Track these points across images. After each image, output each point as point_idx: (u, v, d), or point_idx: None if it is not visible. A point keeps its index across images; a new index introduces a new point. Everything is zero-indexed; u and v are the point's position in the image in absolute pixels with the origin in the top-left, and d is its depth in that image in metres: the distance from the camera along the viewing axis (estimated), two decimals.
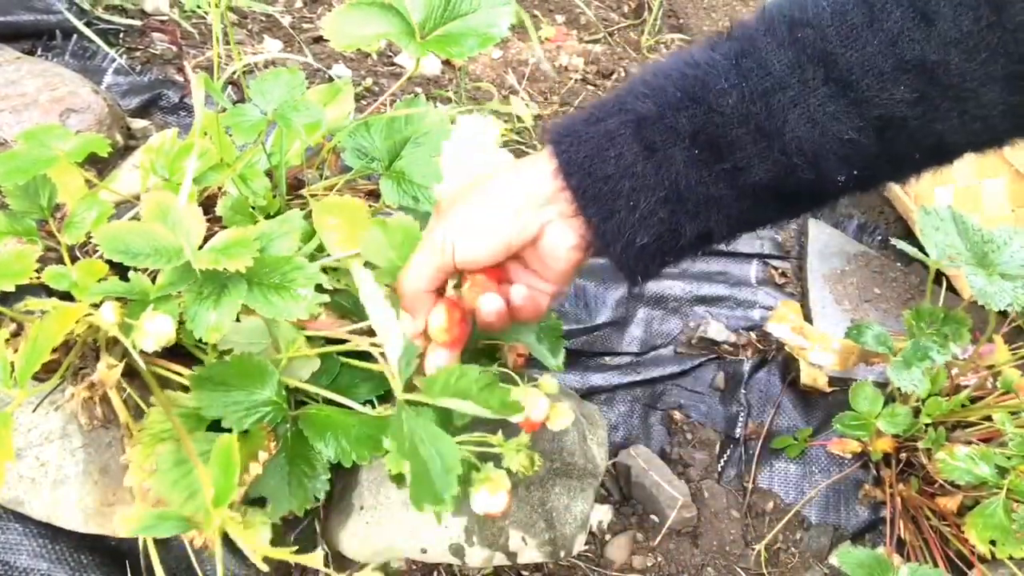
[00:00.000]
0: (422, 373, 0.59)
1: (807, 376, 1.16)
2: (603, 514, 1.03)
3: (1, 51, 1.10)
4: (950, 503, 0.96)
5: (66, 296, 0.68)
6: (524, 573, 0.95)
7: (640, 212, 0.52)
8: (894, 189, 1.48)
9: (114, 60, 1.24)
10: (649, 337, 1.23)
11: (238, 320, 0.70)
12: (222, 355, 0.70)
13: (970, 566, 0.96)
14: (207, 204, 0.79)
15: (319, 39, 1.47)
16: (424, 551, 0.79)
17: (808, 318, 1.26)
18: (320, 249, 0.74)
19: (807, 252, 1.37)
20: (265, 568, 0.51)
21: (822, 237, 1.40)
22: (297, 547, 0.53)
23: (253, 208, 0.77)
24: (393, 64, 1.50)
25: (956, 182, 1.32)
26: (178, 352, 0.73)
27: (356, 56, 1.48)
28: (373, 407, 0.70)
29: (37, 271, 0.65)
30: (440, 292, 0.59)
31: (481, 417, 0.63)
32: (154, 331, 0.57)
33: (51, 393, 0.72)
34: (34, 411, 0.72)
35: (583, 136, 0.53)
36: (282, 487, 0.68)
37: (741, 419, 1.15)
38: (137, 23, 1.34)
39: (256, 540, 0.52)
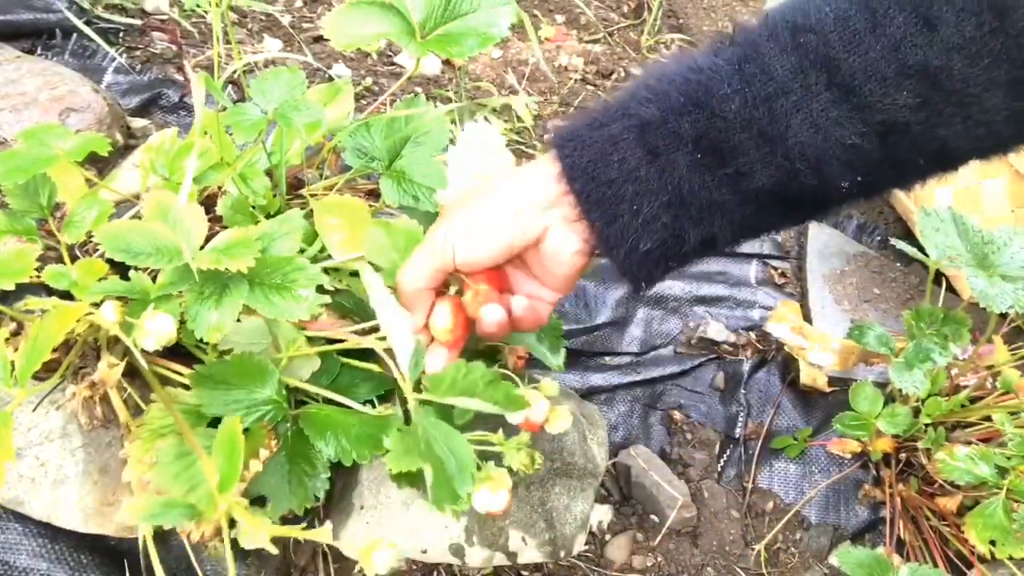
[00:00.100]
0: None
1: (807, 376, 1.16)
2: (603, 514, 1.03)
3: (1, 50, 1.10)
4: (950, 503, 0.96)
5: (66, 295, 0.68)
6: (524, 573, 0.95)
7: (643, 217, 0.52)
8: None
9: (114, 59, 1.24)
10: (649, 337, 1.23)
11: (238, 320, 0.70)
12: (222, 355, 0.70)
13: (970, 566, 0.96)
14: (207, 203, 0.79)
15: (319, 38, 1.47)
16: (424, 551, 0.79)
17: (808, 318, 1.26)
18: (322, 251, 0.74)
19: (807, 252, 1.37)
20: (274, 551, 0.51)
21: (821, 237, 1.40)
22: (304, 525, 0.52)
23: (253, 207, 0.77)
24: (393, 64, 1.50)
25: (956, 183, 1.32)
26: (178, 352, 0.73)
27: (356, 56, 1.48)
28: (373, 407, 0.70)
29: (37, 270, 0.65)
30: (439, 291, 0.59)
31: (482, 417, 0.63)
32: (155, 330, 0.57)
33: (51, 392, 0.72)
34: (34, 410, 0.72)
35: (586, 140, 0.53)
36: (282, 486, 0.68)
37: (741, 419, 1.15)
38: (137, 22, 1.34)
39: (261, 523, 0.51)
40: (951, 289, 1.33)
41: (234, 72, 1.18)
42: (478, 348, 0.76)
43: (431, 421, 0.54)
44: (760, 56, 0.48)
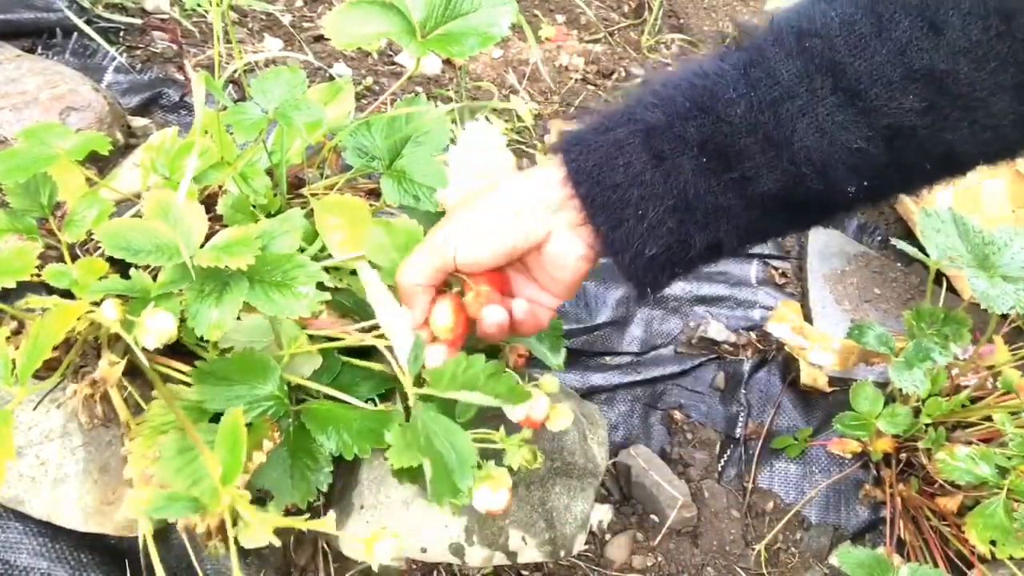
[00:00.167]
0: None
1: (807, 376, 1.16)
2: (603, 514, 1.03)
3: (1, 49, 1.10)
4: (950, 503, 0.96)
5: (67, 294, 0.68)
6: (524, 573, 0.95)
7: (649, 221, 0.52)
8: None
9: (114, 58, 1.24)
10: (649, 337, 1.23)
11: (239, 318, 0.70)
12: (223, 353, 0.70)
13: (970, 566, 0.96)
14: (208, 202, 0.79)
15: (320, 38, 1.47)
16: (424, 550, 0.79)
17: (808, 318, 1.26)
18: (323, 250, 0.74)
19: (807, 252, 1.37)
20: (277, 542, 0.51)
21: (822, 237, 1.40)
22: (306, 516, 0.52)
23: (254, 207, 0.77)
24: (394, 63, 1.50)
25: (957, 183, 1.32)
26: (179, 350, 0.73)
27: (357, 55, 1.48)
28: (374, 405, 0.70)
29: (38, 269, 0.65)
30: (440, 290, 0.59)
31: (483, 415, 0.63)
32: (155, 328, 0.57)
33: (52, 391, 0.72)
34: (35, 409, 0.72)
35: (592, 145, 0.53)
36: (285, 480, 0.69)
37: (741, 419, 1.15)
38: (137, 21, 1.34)
39: (263, 517, 0.51)
40: (952, 289, 1.33)
41: (235, 71, 1.18)
42: (478, 347, 0.76)
43: (431, 415, 0.54)
44: (765, 60, 0.48)
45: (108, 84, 1.21)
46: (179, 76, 1.28)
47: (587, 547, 1.00)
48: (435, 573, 0.92)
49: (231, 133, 0.79)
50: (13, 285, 0.62)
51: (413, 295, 0.58)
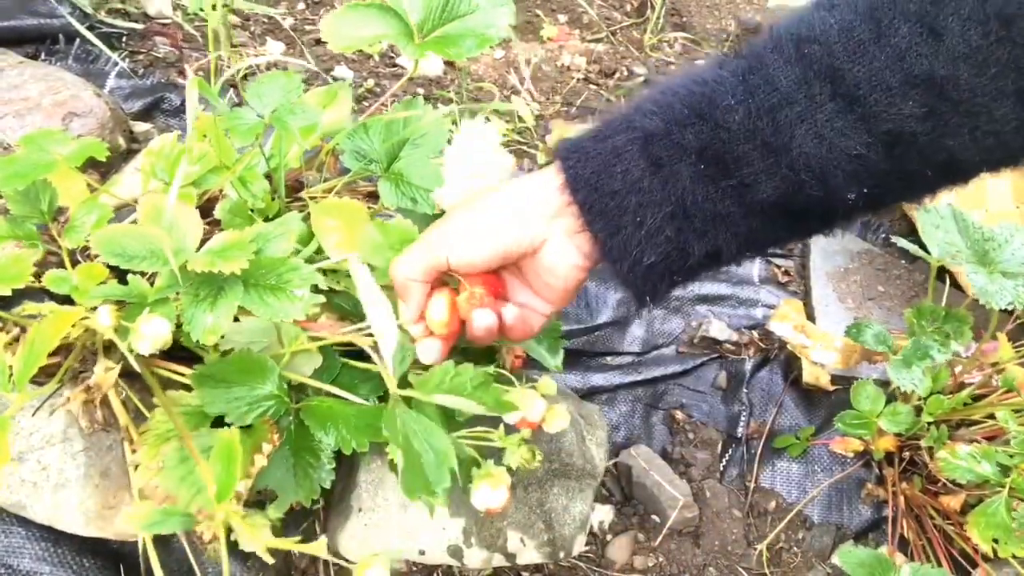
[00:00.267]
0: (418, 361, 0.59)
1: (809, 375, 1.16)
2: (604, 514, 1.03)
3: (4, 55, 1.11)
4: (953, 502, 0.95)
5: (67, 300, 0.68)
6: (524, 574, 0.95)
7: (647, 229, 0.52)
8: None
9: (117, 64, 1.25)
10: (651, 336, 1.22)
11: (238, 320, 0.70)
12: (224, 355, 0.71)
13: (974, 565, 0.95)
14: (207, 207, 0.79)
15: (321, 41, 1.47)
16: (422, 552, 0.79)
17: (811, 316, 1.26)
18: (319, 251, 0.74)
19: (810, 250, 1.36)
20: (270, 560, 0.51)
21: None
22: (300, 538, 0.53)
23: (252, 211, 0.78)
24: (395, 65, 1.51)
25: None
26: (179, 354, 0.73)
27: (358, 57, 1.49)
28: None
29: (38, 275, 0.66)
30: (433, 284, 0.59)
31: (481, 414, 0.63)
32: (150, 334, 0.58)
33: (52, 397, 0.73)
34: (34, 415, 0.72)
35: (590, 152, 0.53)
36: (288, 479, 0.69)
37: (743, 418, 1.15)
38: (139, 27, 1.35)
39: (259, 533, 0.52)
40: (956, 286, 1.32)
41: (235, 75, 1.19)
42: (476, 348, 0.76)
43: (411, 415, 0.54)
44: (764, 67, 0.48)
45: (110, 89, 1.22)
46: (181, 81, 1.28)
47: (588, 548, 1.00)
48: (434, 575, 0.92)
49: (230, 137, 0.79)
50: (8, 293, 0.63)
51: (407, 288, 0.58)
